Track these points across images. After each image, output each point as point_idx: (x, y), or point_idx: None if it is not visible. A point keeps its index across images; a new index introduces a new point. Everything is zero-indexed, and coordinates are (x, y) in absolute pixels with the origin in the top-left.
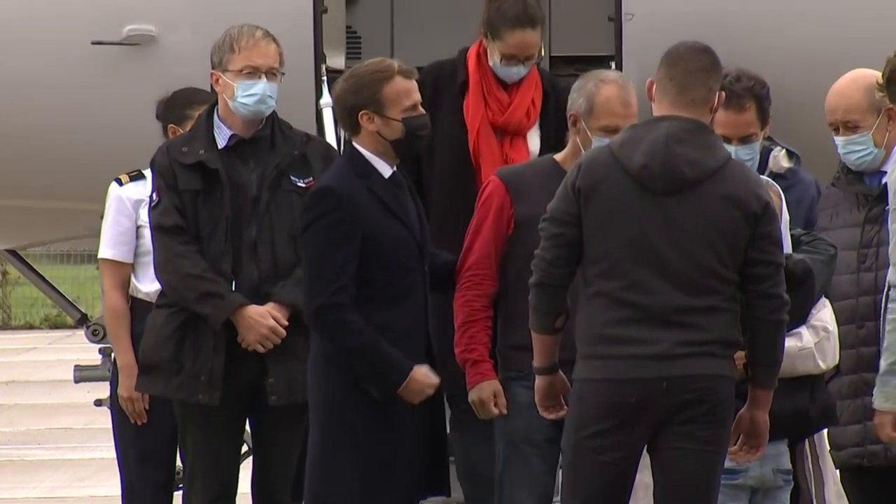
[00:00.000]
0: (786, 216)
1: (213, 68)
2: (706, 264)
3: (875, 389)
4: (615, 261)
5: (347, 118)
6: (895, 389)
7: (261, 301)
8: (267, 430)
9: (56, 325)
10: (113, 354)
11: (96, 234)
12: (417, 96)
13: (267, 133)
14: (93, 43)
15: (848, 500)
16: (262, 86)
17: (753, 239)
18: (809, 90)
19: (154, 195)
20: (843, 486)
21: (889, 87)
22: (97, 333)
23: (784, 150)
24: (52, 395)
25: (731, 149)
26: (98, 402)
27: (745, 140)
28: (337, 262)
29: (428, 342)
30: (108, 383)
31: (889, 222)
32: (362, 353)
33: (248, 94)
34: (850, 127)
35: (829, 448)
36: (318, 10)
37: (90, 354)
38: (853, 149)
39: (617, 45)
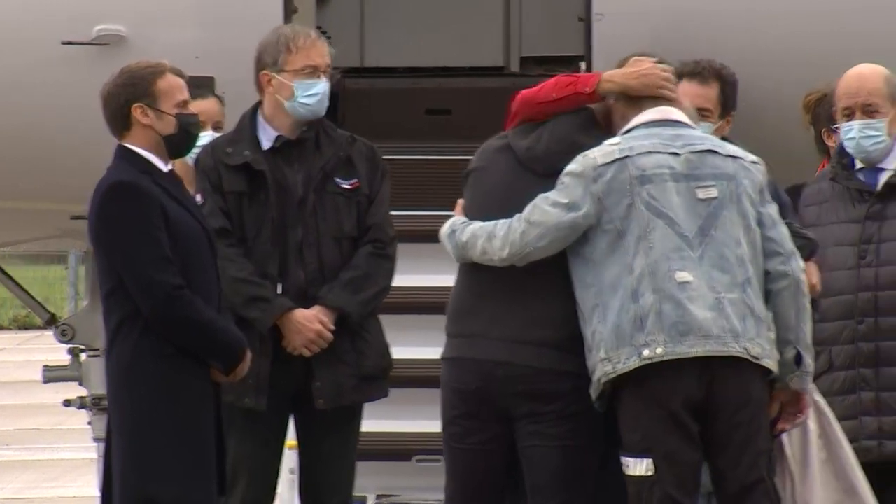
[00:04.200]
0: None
1: (261, 69)
2: None
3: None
4: None
5: (119, 113)
6: None
7: (307, 304)
8: (314, 434)
9: (25, 326)
10: (82, 355)
11: (67, 235)
12: (188, 95)
13: (312, 134)
14: (63, 43)
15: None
16: (322, 85)
17: None
18: (777, 89)
19: (199, 197)
20: None
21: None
22: (66, 334)
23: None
24: (20, 395)
25: None
26: (66, 403)
27: (699, 115)
28: (162, 247)
29: None
30: (76, 384)
31: None
32: (212, 327)
33: (309, 94)
34: (868, 112)
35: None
36: (289, 10)
37: (59, 355)
38: (869, 133)
39: (587, 45)
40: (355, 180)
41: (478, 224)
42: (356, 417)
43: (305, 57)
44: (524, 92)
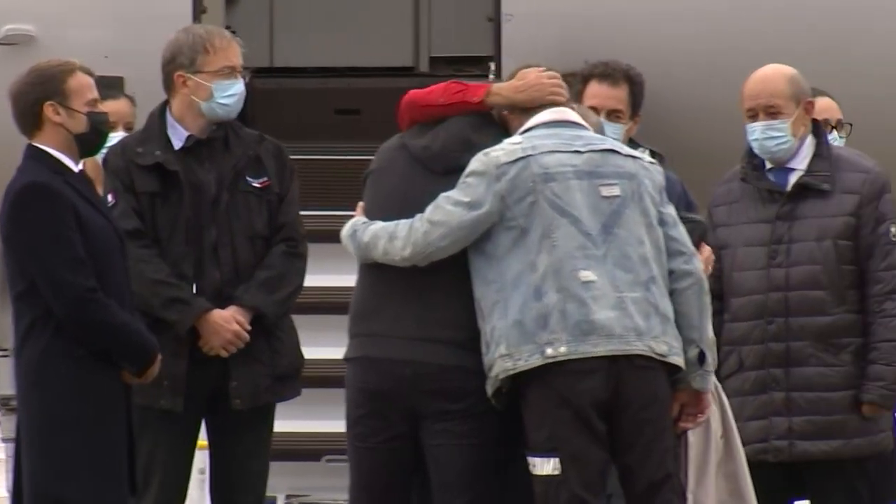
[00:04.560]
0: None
1: (175, 70)
2: None
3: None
4: None
5: (30, 111)
6: None
7: (222, 304)
8: (229, 434)
9: None
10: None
11: None
12: (97, 94)
13: (221, 134)
14: None
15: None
16: (239, 85)
17: None
18: (682, 89)
19: (110, 197)
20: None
21: None
22: None
23: (648, 151)
24: None
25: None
26: None
27: (611, 116)
28: (76, 249)
29: None
30: None
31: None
32: (125, 330)
33: (228, 95)
34: (771, 113)
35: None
36: (198, 10)
37: None
38: (773, 135)
39: (496, 46)
40: (265, 179)
41: (379, 224)
42: (270, 417)
43: (224, 58)
44: (412, 92)
